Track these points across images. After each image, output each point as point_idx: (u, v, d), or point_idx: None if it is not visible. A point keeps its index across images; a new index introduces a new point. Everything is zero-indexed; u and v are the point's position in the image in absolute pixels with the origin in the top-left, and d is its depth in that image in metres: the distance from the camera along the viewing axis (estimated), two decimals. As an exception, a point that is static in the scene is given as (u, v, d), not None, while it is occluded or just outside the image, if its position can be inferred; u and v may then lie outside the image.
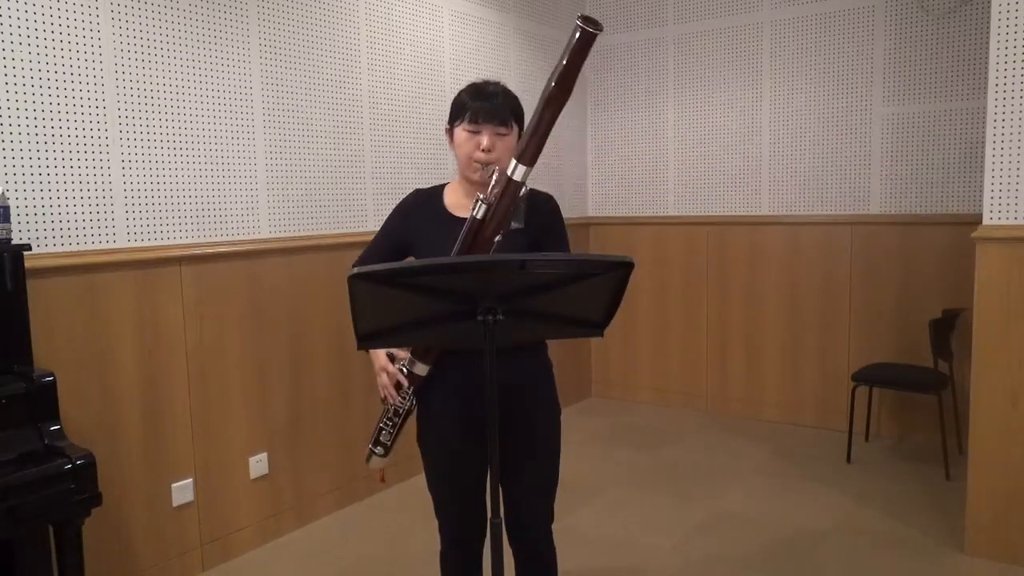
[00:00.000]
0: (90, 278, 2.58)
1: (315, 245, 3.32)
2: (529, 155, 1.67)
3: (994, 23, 2.77)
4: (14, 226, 2.31)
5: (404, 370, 1.85)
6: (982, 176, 2.92)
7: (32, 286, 2.29)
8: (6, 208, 2.19)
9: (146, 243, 2.75)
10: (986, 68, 3.03)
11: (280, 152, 3.20)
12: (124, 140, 2.66)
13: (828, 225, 4.43)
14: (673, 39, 4.87)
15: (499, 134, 1.82)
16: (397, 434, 1.94)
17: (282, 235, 3.23)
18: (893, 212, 4.24)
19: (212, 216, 2.96)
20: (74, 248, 2.54)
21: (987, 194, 2.81)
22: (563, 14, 4.94)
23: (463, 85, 1.92)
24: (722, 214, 4.77)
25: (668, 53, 4.89)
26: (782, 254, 4.59)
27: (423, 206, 1.94)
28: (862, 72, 4.27)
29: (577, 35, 1.58)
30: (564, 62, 1.61)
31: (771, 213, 4.61)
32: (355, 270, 1.31)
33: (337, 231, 3.44)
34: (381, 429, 1.94)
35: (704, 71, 4.78)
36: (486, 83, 1.88)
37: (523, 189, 1.71)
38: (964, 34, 3.99)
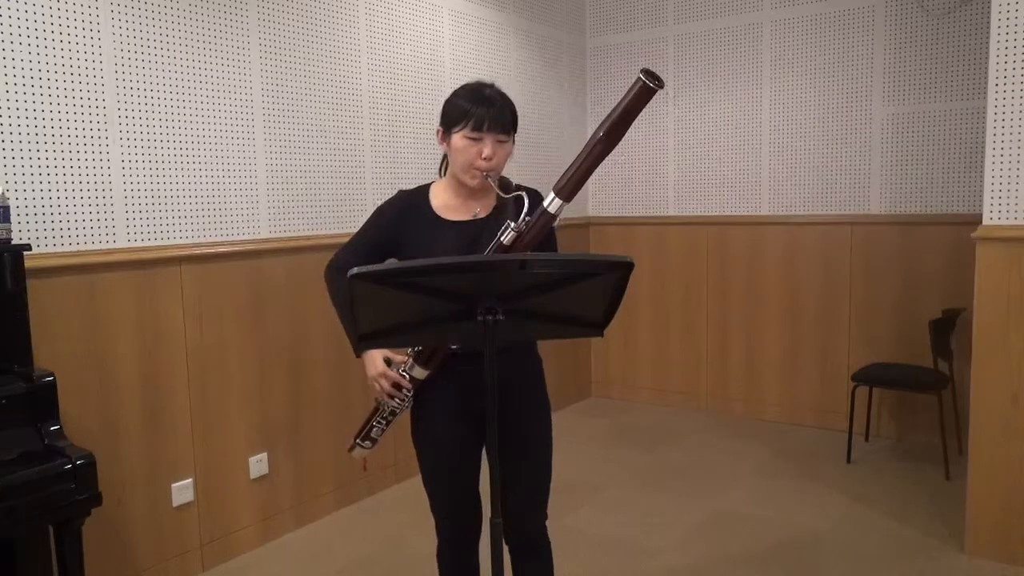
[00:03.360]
0: (90, 278, 2.58)
1: (315, 245, 3.32)
2: (568, 191, 1.70)
3: (994, 23, 2.77)
4: (14, 226, 2.31)
5: (405, 375, 1.85)
6: (982, 176, 2.92)
7: (32, 286, 2.28)
8: (6, 208, 2.19)
9: (146, 243, 2.75)
10: (986, 68, 3.02)
11: (280, 152, 3.20)
12: (124, 140, 2.66)
13: (828, 225, 4.43)
14: (673, 39, 4.87)
15: (500, 141, 1.80)
16: (386, 430, 1.98)
17: (282, 235, 3.23)
18: (893, 212, 4.24)
19: (212, 216, 2.96)
20: (74, 248, 2.54)
21: (987, 194, 2.81)
22: (563, 14, 4.94)
23: (463, 84, 1.91)
24: (722, 214, 4.77)
25: (668, 53, 4.89)
26: (782, 254, 4.59)
27: (410, 208, 1.90)
28: (862, 72, 4.27)
29: (637, 87, 1.60)
30: (619, 111, 1.63)
31: (771, 213, 4.61)
32: (355, 270, 1.31)
33: (337, 231, 3.43)
34: (372, 426, 1.97)
35: (704, 71, 4.78)
36: (482, 86, 1.84)
37: (554, 218, 1.73)
38: (964, 34, 3.99)
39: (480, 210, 1.86)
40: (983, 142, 2.88)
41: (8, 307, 2.16)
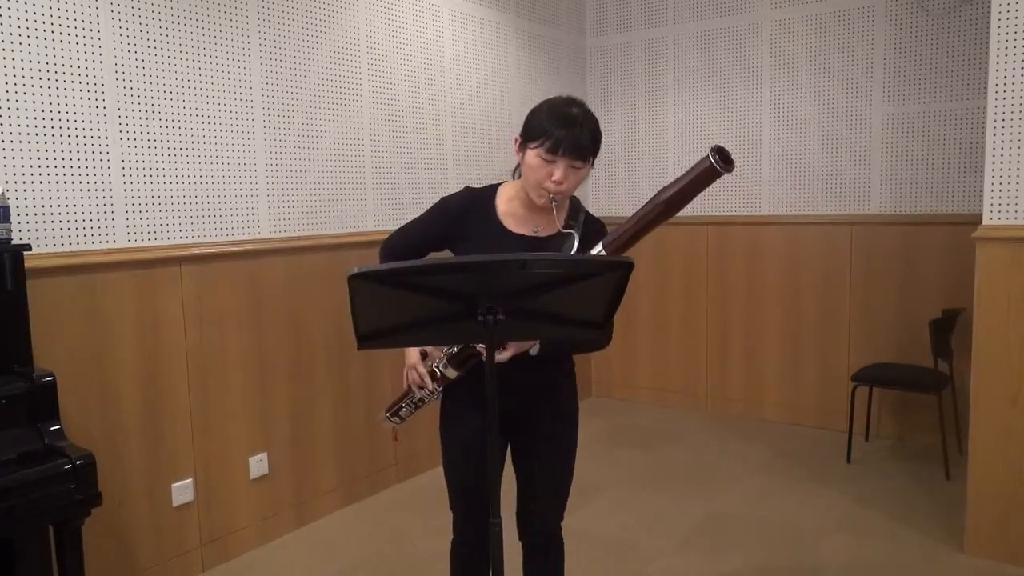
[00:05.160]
0: (90, 278, 2.58)
1: (315, 245, 3.32)
2: (614, 249, 1.70)
3: (994, 23, 2.77)
4: (14, 226, 2.31)
5: (437, 371, 1.87)
6: (982, 176, 2.92)
7: (32, 286, 2.28)
8: (6, 208, 2.19)
9: (146, 243, 2.75)
10: (986, 68, 3.02)
11: (280, 152, 3.20)
12: (124, 140, 2.66)
13: (828, 225, 4.43)
14: (673, 39, 4.87)
15: (574, 167, 1.74)
16: (414, 412, 2.02)
17: (282, 235, 3.23)
18: (893, 212, 4.24)
19: (212, 216, 2.96)
20: (74, 248, 2.54)
21: (987, 194, 2.81)
22: (563, 14, 4.94)
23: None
24: (722, 214, 4.77)
25: (668, 53, 4.89)
26: (782, 254, 4.59)
27: (475, 209, 1.86)
28: (862, 72, 4.27)
29: (703, 166, 1.57)
30: (681, 185, 1.61)
31: (771, 213, 4.61)
32: (355, 270, 1.31)
33: (337, 231, 3.44)
34: (402, 407, 2.02)
35: (704, 71, 4.78)
36: (570, 103, 1.76)
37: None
38: (964, 34, 3.99)
39: (542, 228, 1.83)
40: (983, 142, 2.87)
41: (8, 307, 2.16)
